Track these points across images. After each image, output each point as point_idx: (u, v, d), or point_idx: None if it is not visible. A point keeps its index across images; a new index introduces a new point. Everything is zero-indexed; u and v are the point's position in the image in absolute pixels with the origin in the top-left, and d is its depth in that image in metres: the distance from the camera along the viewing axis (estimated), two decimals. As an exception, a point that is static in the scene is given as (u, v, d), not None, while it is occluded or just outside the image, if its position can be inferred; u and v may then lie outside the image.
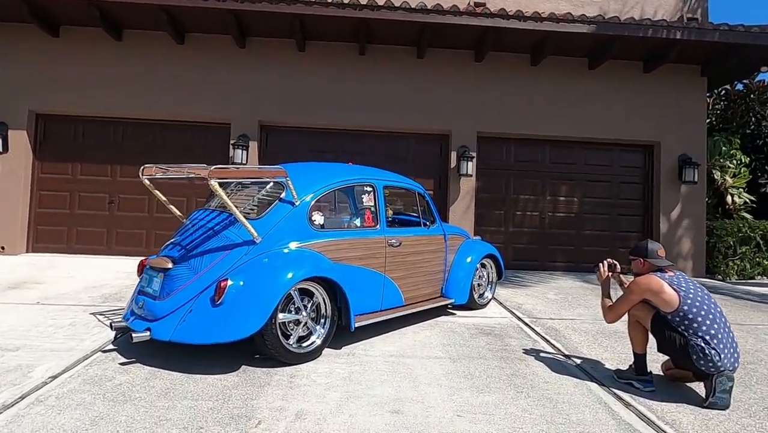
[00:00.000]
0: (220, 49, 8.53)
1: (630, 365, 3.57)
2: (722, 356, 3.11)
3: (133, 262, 7.72)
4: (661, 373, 3.67)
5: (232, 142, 8.37)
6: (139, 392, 3.04)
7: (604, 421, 2.90)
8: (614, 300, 3.62)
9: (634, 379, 3.45)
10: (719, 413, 3.07)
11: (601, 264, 3.79)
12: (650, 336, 3.46)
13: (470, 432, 2.69)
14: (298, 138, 8.84)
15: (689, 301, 3.24)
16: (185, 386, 3.16)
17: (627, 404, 3.16)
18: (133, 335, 3.42)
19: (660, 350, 3.44)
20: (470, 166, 8.61)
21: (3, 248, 7.98)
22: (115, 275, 6.65)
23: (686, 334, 3.20)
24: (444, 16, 7.66)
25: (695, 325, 3.18)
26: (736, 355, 3.19)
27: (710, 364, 3.11)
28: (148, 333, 3.44)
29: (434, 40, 8.40)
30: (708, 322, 3.18)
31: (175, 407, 2.85)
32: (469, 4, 8.58)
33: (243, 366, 3.51)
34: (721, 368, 3.11)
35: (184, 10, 7.68)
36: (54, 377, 3.20)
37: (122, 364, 3.50)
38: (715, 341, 3.14)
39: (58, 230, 8.39)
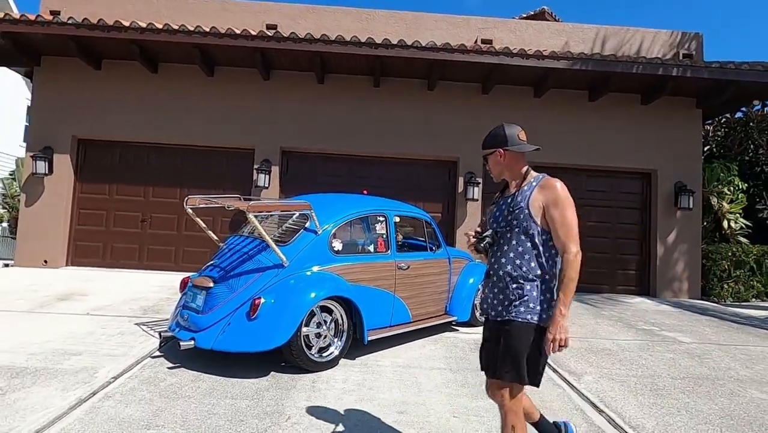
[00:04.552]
0: (246, 81, 9.28)
1: None
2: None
3: (164, 276, 8.46)
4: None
5: (255, 166, 9.07)
6: (187, 391, 3.65)
7: (578, 424, 3.44)
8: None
9: None
10: (680, 419, 3.57)
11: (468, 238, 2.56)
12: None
13: (463, 429, 3.25)
14: (316, 163, 9.53)
15: None
16: (225, 387, 3.76)
17: (600, 411, 3.69)
18: (181, 343, 4.04)
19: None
20: (476, 191, 9.19)
21: (46, 261, 8.71)
22: (149, 289, 7.32)
23: None
24: (452, 54, 8.32)
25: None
26: None
27: None
28: (192, 342, 4.06)
29: (444, 73, 9.05)
30: None
31: (219, 403, 3.45)
32: (476, 41, 9.23)
33: (272, 372, 4.10)
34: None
35: (215, 48, 8.44)
36: (116, 378, 3.83)
37: (170, 368, 4.11)
38: None
39: (95, 245, 9.13)
